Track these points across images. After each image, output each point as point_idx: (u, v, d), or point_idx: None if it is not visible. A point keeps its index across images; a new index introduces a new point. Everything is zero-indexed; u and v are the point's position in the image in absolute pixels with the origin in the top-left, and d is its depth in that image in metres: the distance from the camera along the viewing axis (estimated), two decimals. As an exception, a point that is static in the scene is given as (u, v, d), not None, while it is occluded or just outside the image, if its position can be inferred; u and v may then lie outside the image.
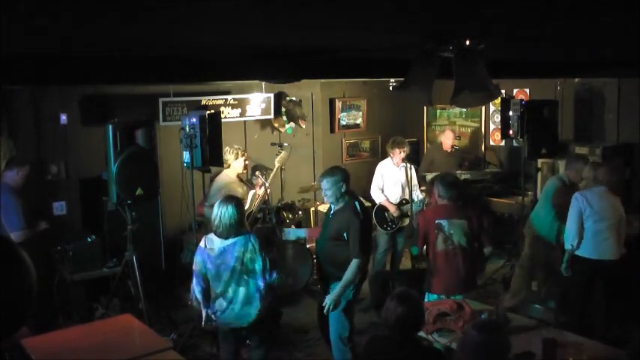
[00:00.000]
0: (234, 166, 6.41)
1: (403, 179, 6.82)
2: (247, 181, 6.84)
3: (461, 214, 4.82)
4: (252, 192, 6.58)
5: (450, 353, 3.89)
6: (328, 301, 4.59)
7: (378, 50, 4.13)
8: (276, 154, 7.03)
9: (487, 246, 5.15)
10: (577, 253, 5.17)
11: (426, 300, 4.67)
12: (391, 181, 6.86)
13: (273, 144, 7.52)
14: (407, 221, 6.63)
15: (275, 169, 6.94)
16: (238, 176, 6.58)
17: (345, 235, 4.61)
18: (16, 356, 3.79)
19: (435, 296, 4.77)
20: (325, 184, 4.65)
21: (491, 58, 3.78)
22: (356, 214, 4.60)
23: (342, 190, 4.64)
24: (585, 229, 5.14)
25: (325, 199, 4.83)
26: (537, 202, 6.28)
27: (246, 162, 6.55)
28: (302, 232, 6.92)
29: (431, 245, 4.86)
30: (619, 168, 5.38)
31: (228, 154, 6.36)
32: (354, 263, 4.56)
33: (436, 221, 4.81)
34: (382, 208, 6.77)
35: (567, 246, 5.20)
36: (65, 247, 5.86)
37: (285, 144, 7.50)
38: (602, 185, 5.13)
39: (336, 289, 4.60)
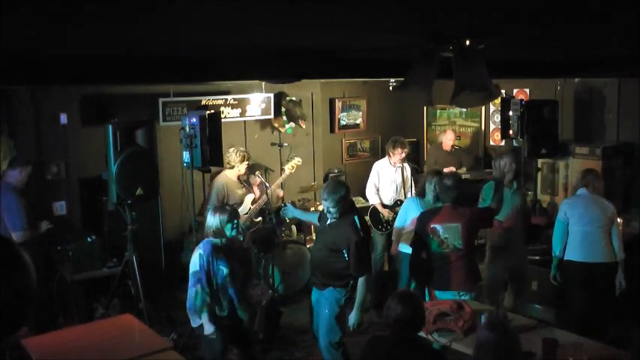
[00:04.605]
0: (238, 168, 6.43)
1: (399, 179, 6.83)
2: (245, 182, 6.85)
3: (455, 217, 4.79)
4: (250, 196, 6.58)
5: (449, 353, 3.89)
6: (353, 322, 4.69)
7: (378, 50, 4.13)
8: (288, 160, 7.03)
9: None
10: (566, 257, 5.33)
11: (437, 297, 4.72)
12: (387, 181, 6.86)
13: (273, 144, 7.52)
14: None
15: (284, 175, 6.95)
16: (239, 178, 6.59)
17: (344, 251, 4.58)
18: (16, 356, 3.79)
19: (449, 294, 4.75)
20: (329, 202, 4.58)
21: (491, 58, 3.78)
22: (355, 231, 4.56)
23: (339, 203, 4.59)
24: (573, 233, 5.29)
25: (328, 216, 4.73)
26: None
27: (249, 164, 6.59)
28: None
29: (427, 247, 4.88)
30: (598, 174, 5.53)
31: (235, 155, 6.37)
32: (362, 281, 4.59)
33: (431, 226, 4.79)
34: (377, 210, 6.79)
35: (554, 253, 5.38)
36: (65, 247, 5.86)
37: (285, 144, 7.50)
38: (589, 189, 5.30)
39: (355, 310, 4.67)
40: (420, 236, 4.90)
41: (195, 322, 4.46)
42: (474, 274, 4.92)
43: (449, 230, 4.74)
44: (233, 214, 4.53)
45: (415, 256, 5.01)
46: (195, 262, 4.39)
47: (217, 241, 4.45)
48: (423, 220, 4.93)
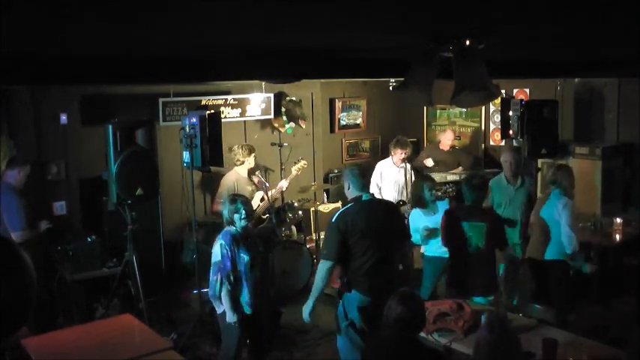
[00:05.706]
0: (247, 162, 6.48)
1: (401, 180, 6.82)
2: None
3: (480, 216, 4.80)
4: (260, 193, 6.60)
5: (449, 353, 3.89)
6: (304, 313, 4.25)
7: (378, 50, 4.13)
8: (295, 162, 7.04)
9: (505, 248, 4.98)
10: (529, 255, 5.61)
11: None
12: (389, 181, 6.86)
13: (273, 144, 7.53)
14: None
15: (291, 176, 6.95)
16: (249, 175, 6.63)
17: None
18: (16, 356, 3.79)
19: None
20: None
21: (492, 58, 3.78)
22: (331, 218, 4.33)
23: (346, 189, 4.41)
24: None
25: None
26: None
27: (255, 158, 6.63)
28: None
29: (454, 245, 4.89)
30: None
31: (242, 150, 6.43)
32: (318, 267, 4.23)
33: (457, 222, 4.79)
34: None
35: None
36: (65, 247, 5.86)
37: (285, 144, 7.50)
38: (558, 186, 5.39)
39: (308, 300, 4.25)
40: (449, 233, 4.92)
41: (220, 309, 4.53)
42: (493, 279, 4.91)
43: (474, 229, 4.73)
44: (241, 204, 4.56)
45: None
46: (216, 253, 4.47)
47: (234, 229, 4.55)
48: (456, 215, 4.95)
